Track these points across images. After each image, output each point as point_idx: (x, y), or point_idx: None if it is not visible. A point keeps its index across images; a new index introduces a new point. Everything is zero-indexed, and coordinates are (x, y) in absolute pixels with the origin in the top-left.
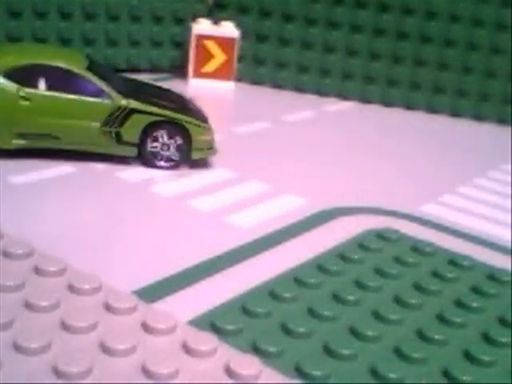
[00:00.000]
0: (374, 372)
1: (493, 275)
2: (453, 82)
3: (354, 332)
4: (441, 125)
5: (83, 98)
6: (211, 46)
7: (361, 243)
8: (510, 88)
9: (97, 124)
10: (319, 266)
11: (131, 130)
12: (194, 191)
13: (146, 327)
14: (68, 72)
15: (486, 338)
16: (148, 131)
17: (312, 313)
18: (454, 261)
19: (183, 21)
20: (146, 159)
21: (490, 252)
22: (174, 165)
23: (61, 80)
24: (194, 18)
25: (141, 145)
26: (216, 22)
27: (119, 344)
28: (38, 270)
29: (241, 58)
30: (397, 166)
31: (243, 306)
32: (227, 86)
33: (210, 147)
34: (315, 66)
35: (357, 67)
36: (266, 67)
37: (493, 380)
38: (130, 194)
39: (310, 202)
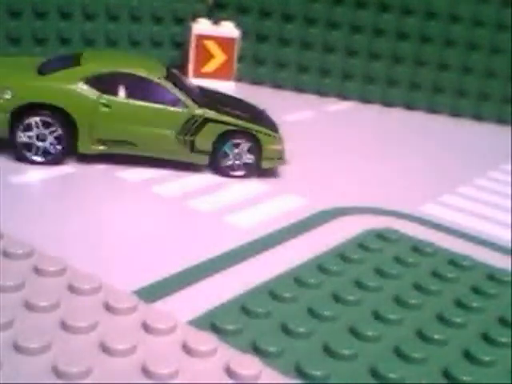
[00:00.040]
0: (374, 372)
1: (493, 275)
2: (453, 82)
3: (354, 332)
4: (441, 125)
5: (160, 106)
6: (211, 45)
7: (361, 243)
8: (510, 88)
9: (172, 132)
10: (319, 265)
11: (205, 139)
12: (194, 191)
13: (146, 327)
14: (147, 81)
15: (486, 338)
16: (220, 140)
17: (312, 313)
18: (453, 261)
19: (183, 21)
20: (219, 168)
21: (490, 252)
22: (246, 174)
23: (140, 88)
24: (194, 17)
25: (213, 154)
26: (216, 21)
27: (119, 344)
28: (37, 270)
29: (241, 58)
30: (397, 166)
31: (243, 306)
32: (227, 86)
33: (280, 157)
34: (315, 66)
35: (357, 67)
36: (265, 67)
37: (493, 380)
38: (130, 194)
39: (310, 202)
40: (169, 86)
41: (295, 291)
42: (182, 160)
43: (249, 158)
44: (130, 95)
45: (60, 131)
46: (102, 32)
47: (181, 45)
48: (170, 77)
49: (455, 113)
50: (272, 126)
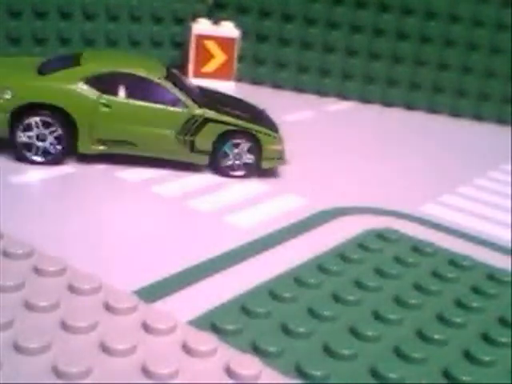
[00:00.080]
0: (374, 372)
1: (493, 275)
2: (453, 82)
3: (354, 332)
4: (441, 125)
5: (161, 106)
6: (211, 45)
7: (361, 243)
8: (510, 88)
9: (172, 132)
10: (319, 265)
11: (204, 139)
12: (194, 191)
13: (146, 327)
14: (147, 80)
15: (486, 338)
16: (220, 140)
17: (312, 313)
18: (454, 261)
19: (183, 21)
20: (219, 168)
21: (490, 252)
22: (246, 174)
23: (140, 88)
24: (194, 17)
25: (213, 154)
26: (216, 21)
27: (119, 344)
28: (37, 270)
29: (241, 58)
30: (397, 166)
31: (243, 306)
32: (227, 86)
33: (280, 157)
34: (315, 66)
35: (357, 67)
36: (265, 67)
37: (493, 380)
38: (130, 194)
39: (310, 202)
40: (169, 85)
41: (295, 291)
42: (182, 160)
43: (249, 158)
44: (129, 95)
45: (60, 131)
46: (102, 32)
47: (181, 45)
48: (169, 77)
49: (455, 113)
50: (272, 126)
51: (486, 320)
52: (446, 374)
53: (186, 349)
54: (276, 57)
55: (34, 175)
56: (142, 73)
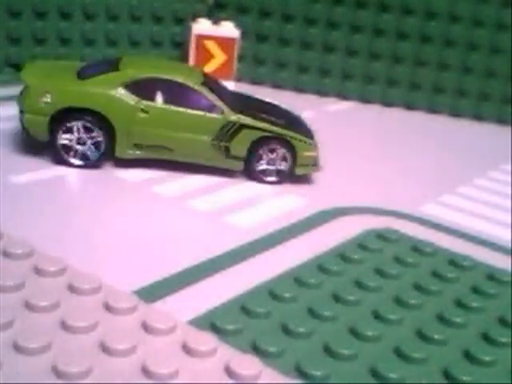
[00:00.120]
0: (374, 372)
1: (493, 275)
2: (453, 82)
3: (354, 332)
4: (441, 125)
5: (197, 112)
6: (211, 45)
7: (361, 243)
8: (510, 88)
9: (208, 138)
10: (319, 265)
11: (239, 145)
12: (194, 191)
13: (146, 327)
14: (184, 86)
15: (486, 338)
16: (255, 146)
17: (312, 313)
18: (453, 261)
19: (183, 21)
20: (252, 173)
21: (490, 252)
22: (279, 180)
23: (177, 94)
24: (194, 17)
25: (247, 159)
26: (216, 21)
27: (119, 344)
28: (37, 270)
29: (241, 58)
30: (397, 166)
31: (243, 306)
32: (227, 86)
33: (315, 164)
34: (315, 66)
35: (357, 67)
36: (266, 67)
37: (493, 380)
38: (130, 194)
39: (310, 202)
40: (206, 92)
41: (295, 291)
42: (217, 166)
43: (282, 165)
44: (167, 101)
45: (99, 136)
46: (102, 32)
47: (181, 45)
48: (206, 82)
49: (455, 113)
50: (307, 132)
51: (485, 320)
52: (446, 374)
53: (186, 349)
54: (276, 57)
55: (34, 175)
56: (179, 79)
